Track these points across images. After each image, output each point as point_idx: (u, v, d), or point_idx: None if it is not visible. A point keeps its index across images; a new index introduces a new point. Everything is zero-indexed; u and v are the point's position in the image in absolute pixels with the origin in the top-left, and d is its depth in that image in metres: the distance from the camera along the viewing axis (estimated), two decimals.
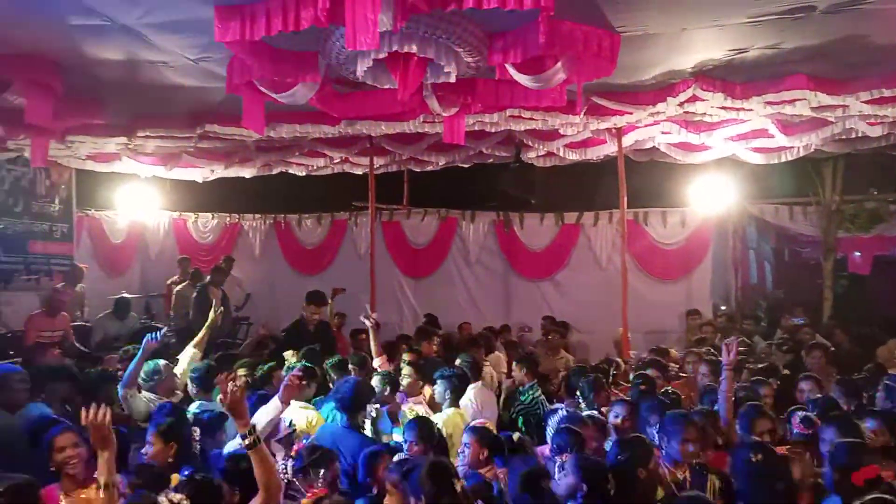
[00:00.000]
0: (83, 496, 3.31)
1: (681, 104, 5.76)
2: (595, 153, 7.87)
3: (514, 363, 6.37)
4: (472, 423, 4.33)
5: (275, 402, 4.08)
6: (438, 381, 5.04)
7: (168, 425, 3.75)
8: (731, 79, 5.40)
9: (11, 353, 7.00)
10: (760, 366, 6.44)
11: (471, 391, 5.30)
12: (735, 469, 3.38)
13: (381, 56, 3.98)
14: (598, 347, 8.90)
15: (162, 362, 5.03)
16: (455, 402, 4.97)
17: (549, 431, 4.31)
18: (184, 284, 9.72)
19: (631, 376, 5.95)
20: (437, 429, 4.30)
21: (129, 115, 6.36)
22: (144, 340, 4.83)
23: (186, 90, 5.58)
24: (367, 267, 8.53)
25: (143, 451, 3.78)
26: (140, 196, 10.74)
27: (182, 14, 4.00)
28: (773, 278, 10.72)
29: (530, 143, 7.54)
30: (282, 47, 4.31)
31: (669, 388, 5.42)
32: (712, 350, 6.68)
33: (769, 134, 6.87)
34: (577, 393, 5.20)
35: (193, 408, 4.65)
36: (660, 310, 9.90)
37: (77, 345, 7.65)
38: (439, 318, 9.47)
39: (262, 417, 3.97)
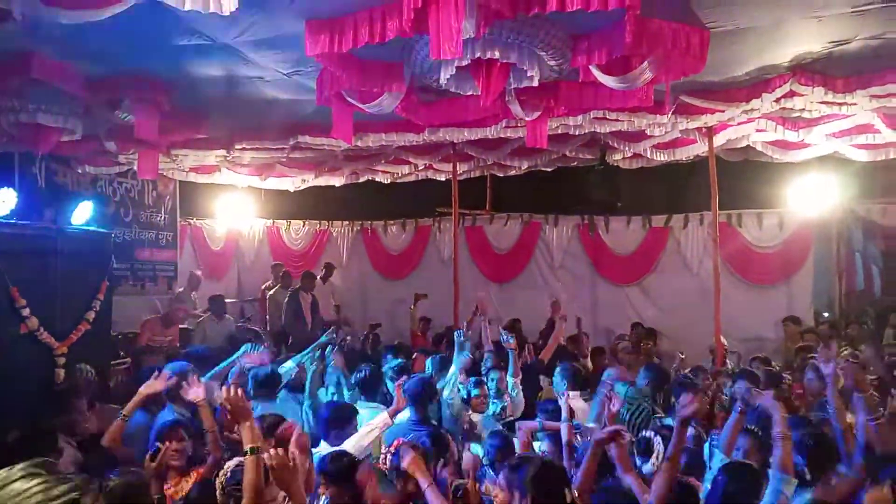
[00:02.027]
0: (182, 483, 3.55)
1: (777, 100, 5.51)
2: (684, 153, 7.62)
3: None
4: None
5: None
6: None
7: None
8: (832, 72, 5.12)
9: (122, 353, 7.49)
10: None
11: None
12: None
13: (465, 63, 4.04)
14: (689, 356, 8.58)
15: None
16: None
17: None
18: (276, 289, 10.19)
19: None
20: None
21: (227, 129, 6.70)
22: (242, 350, 5.08)
23: (280, 103, 5.83)
24: (451, 272, 8.60)
25: None
26: (237, 205, 11.31)
27: (276, 31, 4.18)
28: (881, 283, 10.00)
29: (615, 145, 7.38)
30: (368, 58, 4.45)
31: None
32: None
33: (875, 129, 6.46)
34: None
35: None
36: (756, 317, 9.45)
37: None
38: (523, 322, 9.41)
39: None
